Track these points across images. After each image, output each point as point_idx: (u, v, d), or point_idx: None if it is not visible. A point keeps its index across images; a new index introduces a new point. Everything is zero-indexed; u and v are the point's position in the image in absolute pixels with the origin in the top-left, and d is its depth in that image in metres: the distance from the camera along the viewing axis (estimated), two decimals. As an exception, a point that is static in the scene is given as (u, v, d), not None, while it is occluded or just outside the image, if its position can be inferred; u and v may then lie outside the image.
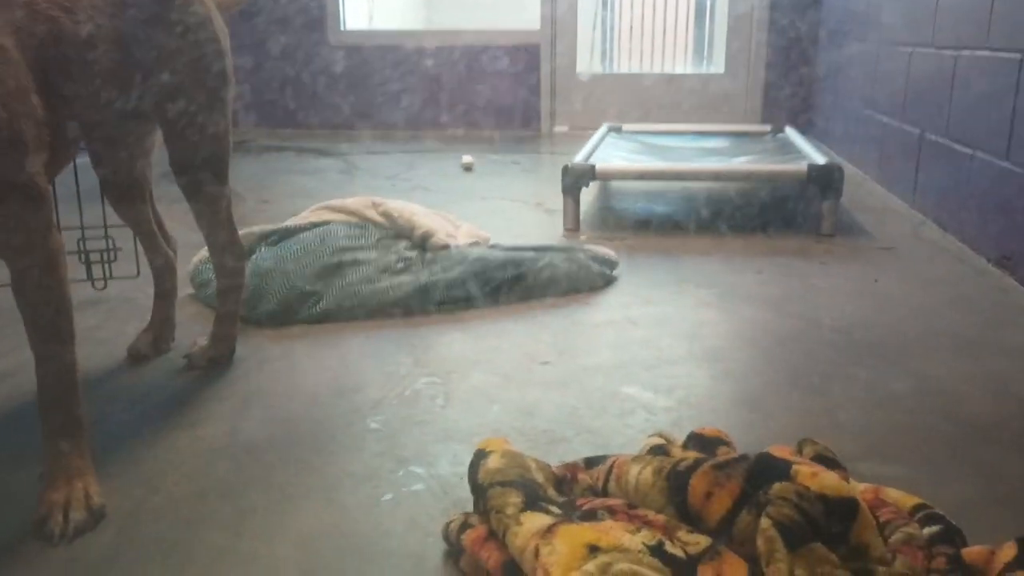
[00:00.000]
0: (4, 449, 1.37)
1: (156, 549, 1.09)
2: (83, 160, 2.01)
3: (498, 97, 5.28)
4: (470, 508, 1.12)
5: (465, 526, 1.06)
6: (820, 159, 2.84)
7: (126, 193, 1.70)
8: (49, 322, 1.16)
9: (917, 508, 1.06)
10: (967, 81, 2.51)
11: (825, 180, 2.64)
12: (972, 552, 0.96)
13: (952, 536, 0.99)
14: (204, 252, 2.14)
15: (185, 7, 1.44)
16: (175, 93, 1.45)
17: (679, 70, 5.51)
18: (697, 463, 1.02)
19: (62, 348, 1.17)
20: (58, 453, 1.17)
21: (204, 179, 1.56)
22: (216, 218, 1.61)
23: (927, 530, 1.01)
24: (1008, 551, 0.92)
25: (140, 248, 2.07)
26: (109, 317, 1.96)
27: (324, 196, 3.06)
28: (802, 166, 2.71)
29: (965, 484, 1.25)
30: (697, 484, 0.99)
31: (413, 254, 2.14)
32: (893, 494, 1.10)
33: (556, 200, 2.89)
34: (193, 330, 1.87)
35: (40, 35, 1.14)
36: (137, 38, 1.35)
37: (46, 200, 1.15)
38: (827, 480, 0.95)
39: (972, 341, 1.80)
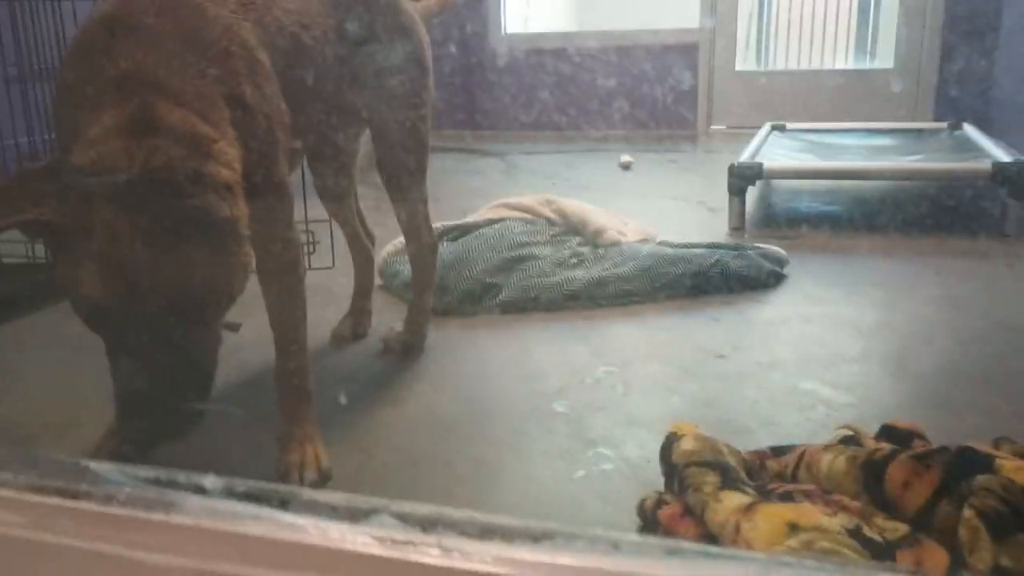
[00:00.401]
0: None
1: (378, 508, 1.22)
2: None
3: (654, 96, 5.30)
4: (659, 488, 1.19)
5: (660, 503, 1.13)
6: (1006, 156, 2.72)
7: (336, 192, 1.87)
8: (289, 304, 1.31)
9: (1125, 512, 1.04)
10: None
11: (1010, 178, 2.53)
12: None
13: None
14: (392, 246, 2.31)
15: (396, 16, 1.58)
16: (386, 98, 1.59)
17: (839, 65, 5.33)
18: (894, 453, 1.05)
19: (298, 328, 1.33)
20: (293, 420, 1.32)
21: (405, 178, 1.69)
22: (414, 215, 1.75)
23: None
24: None
25: (336, 242, 2.26)
26: (309, 304, 2.14)
27: (489, 194, 3.20)
28: (986, 164, 2.60)
29: None
30: (895, 473, 1.02)
31: (586, 250, 2.23)
32: (1099, 496, 1.08)
33: (718, 199, 2.90)
34: (384, 317, 2.02)
35: (284, 49, 1.30)
36: (353, 47, 1.50)
37: (291, 196, 1.31)
38: (1033, 475, 0.96)
39: None
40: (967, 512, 0.93)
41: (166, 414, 1.03)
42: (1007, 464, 0.98)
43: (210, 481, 0.50)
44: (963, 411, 1.47)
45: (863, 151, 3.36)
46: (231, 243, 1.05)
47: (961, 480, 0.97)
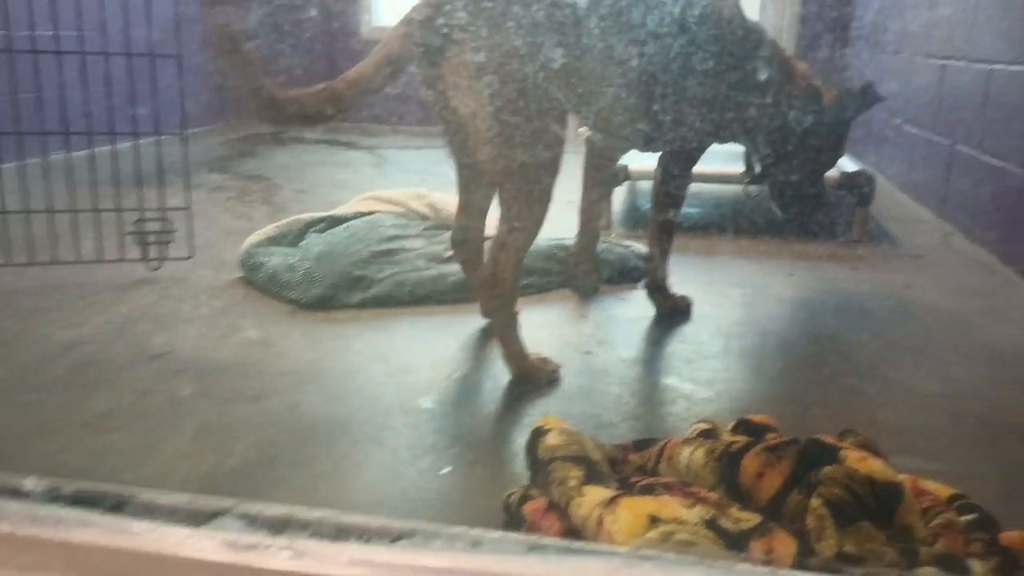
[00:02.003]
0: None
1: (233, 509, 1.16)
2: (123, 146, 2.10)
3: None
4: (525, 483, 1.19)
5: (525, 498, 1.13)
6: (851, 166, 2.89)
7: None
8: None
9: (953, 498, 1.12)
10: (1001, 95, 2.56)
11: (856, 187, 2.69)
12: (1009, 536, 1.01)
13: (988, 523, 1.05)
14: (255, 236, 2.22)
15: None
16: None
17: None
18: (748, 446, 1.08)
19: None
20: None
21: None
22: None
23: (964, 518, 1.07)
24: (1045, 536, 0.98)
25: (195, 231, 2.15)
26: (165, 296, 2.03)
27: (359, 188, 3.13)
28: (835, 172, 2.76)
29: (996, 480, 1.30)
30: (749, 465, 1.06)
31: (457, 245, 2.21)
32: (931, 485, 1.15)
33: (589, 199, 2.94)
34: (245, 314, 1.94)
35: None
36: None
37: None
38: (874, 464, 1.01)
39: (1002, 349, 1.85)
40: (814, 501, 0.97)
41: None
42: (851, 455, 1.03)
43: (31, 483, 0.45)
44: (813, 407, 1.54)
45: (724, 156, 3.49)
46: None
47: (810, 471, 1.01)
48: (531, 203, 1.56)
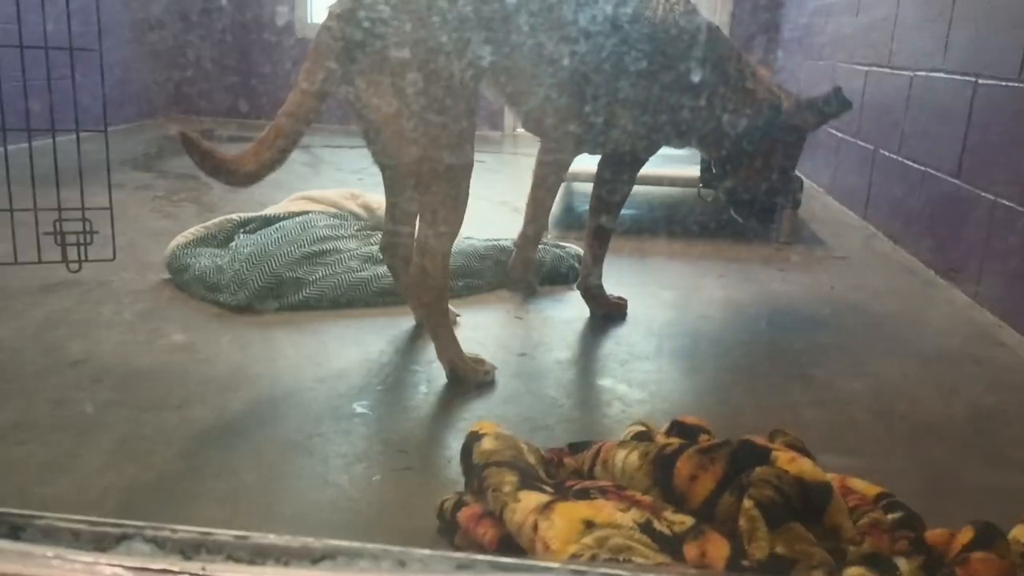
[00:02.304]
0: None
1: (154, 522, 1.11)
2: (40, 143, 2.01)
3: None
4: (459, 488, 1.17)
5: (460, 504, 1.11)
6: (780, 170, 2.95)
7: None
8: None
9: (880, 496, 1.14)
10: (921, 101, 2.64)
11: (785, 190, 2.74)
12: (933, 535, 1.04)
13: (913, 522, 1.08)
14: (181, 238, 2.15)
15: None
16: None
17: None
18: (682, 448, 1.09)
19: None
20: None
21: None
22: None
23: (890, 516, 1.09)
24: (966, 533, 1.01)
25: (117, 232, 2.08)
26: (85, 299, 1.95)
27: (292, 188, 3.07)
28: (763, 176, 2.81)
29: (917, 477, 1.34)
30: (682, 467, 1.06)
31: (391, 246, 2.17)
32: (858, 483, 1.18)
33: (522, 199, 2.94)
34: (170, 318, 1.88)
35: None
36: None
37: None
38: (804, 465, 1.02)
39: (922, 348, 1.91)
40: (746, 503, 0.98)
41: None
42: (782, 456, 1.04)
43: (-83, 507, 0.41)
44: (743, 406, 1.57)
45: (659, 159, 3.53)
46: None
47: (742, 472, 1.02)
48: (456, 205, 1.54)
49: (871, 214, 3.06)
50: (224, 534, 0.40)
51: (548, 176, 2.06)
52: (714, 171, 1.96)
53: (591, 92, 1.71)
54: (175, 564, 0.39)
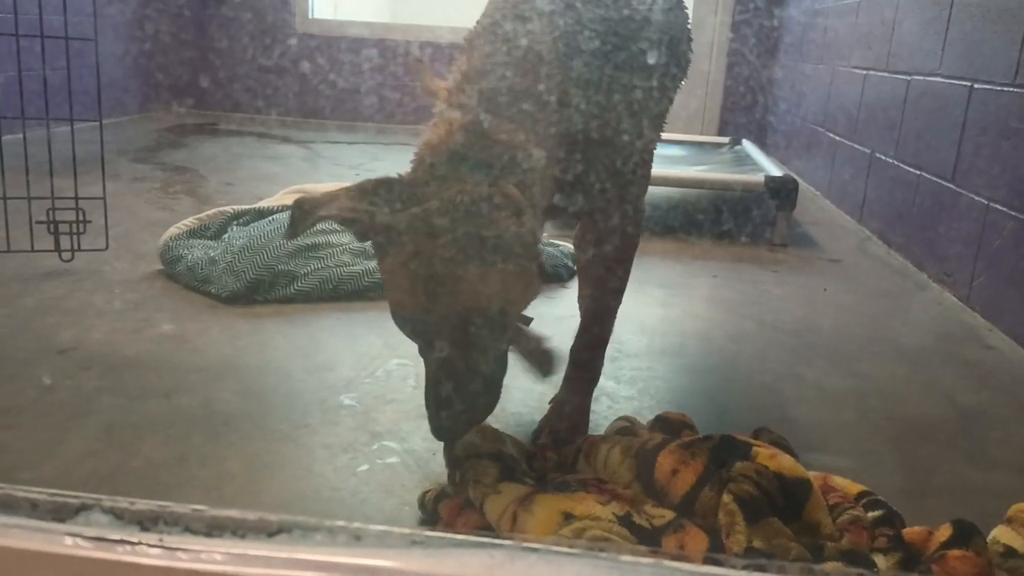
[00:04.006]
0: None
1: (137, 509, 1.12)
2: (57, 130, 2.02)
3: (462, 94, 5.32)
4: (443, 481, 1.17)
5: (441, 496, 1.11)
6: (776, 171, 2.96)
7: None
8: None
9: (861, 494, 1.15)
10: (918, 105, 2.65)
11: (781, 191, 2.75)
12: (912, 532, 1.04)
13: (893, 519, 1.08)
14: (175, 228, 2.15)
15: None
16: None
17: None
18: (664, 443, 1.09)
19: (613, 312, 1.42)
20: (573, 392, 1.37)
21: None
22: None
23: (871, 514, 1.09)
24: (944, 531, 1.01)
25: (111, 222, 2.08)
26: (77, 288, 1.96)
27: (288, 182, 3.08)
28: (759, 177, 2.82)
29: (902, 476, 1.34)
30: (664, 461, 1.06)
31: (383, 241, 2.18)
32: (840, 481, 1.18)
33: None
34: (166, 308, 1.88)
35: None
36: None
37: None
38: (784, 462, 1.03)
39: (912, 349, 1.91)
40: (725, 497, 0.98)
41: (470, 406, 1.08)
42: (762, 452, 1.04)
43: None
44: (730, 405, 1.57)
45: (655, 159, 3.54)
46: (523, 258, 1.06)
47: (722, 468, 1.03)
48: None
49: (866, 217, 3.07)
50: (181, 507, 0.40)
51: None
52: None
53: None
54: (133, 535, 0.39)
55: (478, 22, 1.25)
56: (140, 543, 0.39)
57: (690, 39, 1.55)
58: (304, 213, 1.01)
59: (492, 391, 1.12)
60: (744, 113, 5.17)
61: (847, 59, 3.48)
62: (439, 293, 1.03)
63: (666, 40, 1.39)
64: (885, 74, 2.97)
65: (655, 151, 1.56)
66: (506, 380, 1.58)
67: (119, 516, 0.39)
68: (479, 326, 1.05)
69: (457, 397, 1.07)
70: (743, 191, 3.04)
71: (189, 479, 1.19)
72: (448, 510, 1.08)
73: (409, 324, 1.10)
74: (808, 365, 1.77)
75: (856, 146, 3.23)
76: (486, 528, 1.03)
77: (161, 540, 0.38)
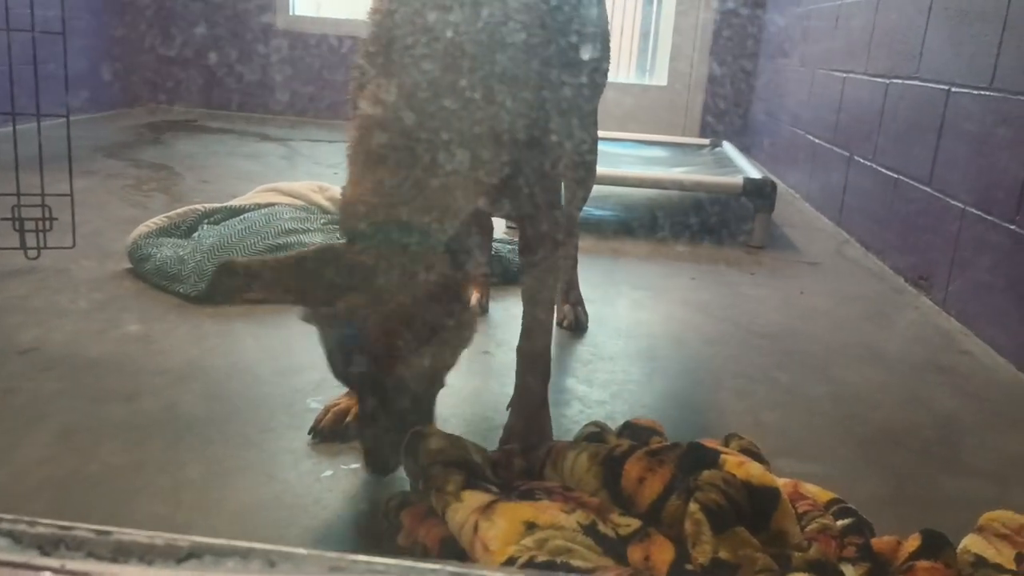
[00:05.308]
0: None
1: (90, 520, 1.08)
2: (23, 127, 1.97)
3: (444, 93, 5.29)
4: (407, 487, 1.15)
5: (404, 503, 1.09)
6: (755, 174, 2.95)
7: None
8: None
9: (832, 502, 1.13)
10: (896, 109, 2.64)
11: (759, 194, 2.74)
12: (881, 542, 1.03)
13: (863, 528, 1.06)
14: (144, 227, 2.12)
15: None
16: None
17: (622, 79, 5.60)
18: (631, 450, 1.07)
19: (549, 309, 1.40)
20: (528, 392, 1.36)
21: None
22: None
23: (840, 522, 1.08)
24: (913, 542, 1.00)
25: (77, 219, 2.04)
26: (41, 287, 1.91)
27: (265, 180, 3.04)
28: (738, 179, 2.81)
29: (875, 483, 1.33)
30: (631, 469, 1.04)
31: (357, 241, 2.15)
32: (810, 488, 1.16)
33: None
34: (128, 305, 1.84)
35: None
36: None
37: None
38: (752, 470, 1.01)
39: (887, 354, 1.90)
40: (692, 506, 0.96)
41: (398, 444, 1.13)
42: (730, 460, 1.03)
43: None
44: (703, 409, 1.55)
45: (634, 160, 3.53)
46: (459, 311, 1.13)
47: (690, 476, 1.01)
48: None
49: (845, 220, 3.07)
50: (85, 529, 0.37)
51: None
52: None
53: None
54: (33, 559, 0.36)
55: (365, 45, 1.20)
56: (41, 567, 0.36)
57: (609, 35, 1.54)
58: (231, 278, 1.06)
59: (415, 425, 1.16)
60: (726, 115, 5.17)
61: (827, 62, 3.48)
62: (372, 363, 1.08)
63: (599, 34, 1.39)
64: (864, 77, 2.97)
65: (599, 152, 1.57)
66: (478, 384, 1.56)
67: (17, 539, 0.37)
68: (410, 382, 1.11)
69: (385, 437, 1.14)
70: (722, 193, 3.04)
71: (147, 486, 1.16)
72: (410, 518, 1.06)
73: (343, 377, 1.15)
74: (783, 369, 1.76)
75: (835, 149, 3.23)
76: (449, 537, 1.00)
77: (63, 566, 0.36)
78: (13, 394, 1.40)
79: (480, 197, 1.18)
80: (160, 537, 0.37)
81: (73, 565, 0.36)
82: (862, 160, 2.90)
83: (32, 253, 1.98)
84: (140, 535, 0.37)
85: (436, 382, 1.20)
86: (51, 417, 1.33)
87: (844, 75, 3.21)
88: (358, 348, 1.08)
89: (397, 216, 1.07)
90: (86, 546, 0.37)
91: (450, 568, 0.38)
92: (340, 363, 1.13)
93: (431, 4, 1.14)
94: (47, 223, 1.98)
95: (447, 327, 1.12)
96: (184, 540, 0.37)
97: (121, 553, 0.37)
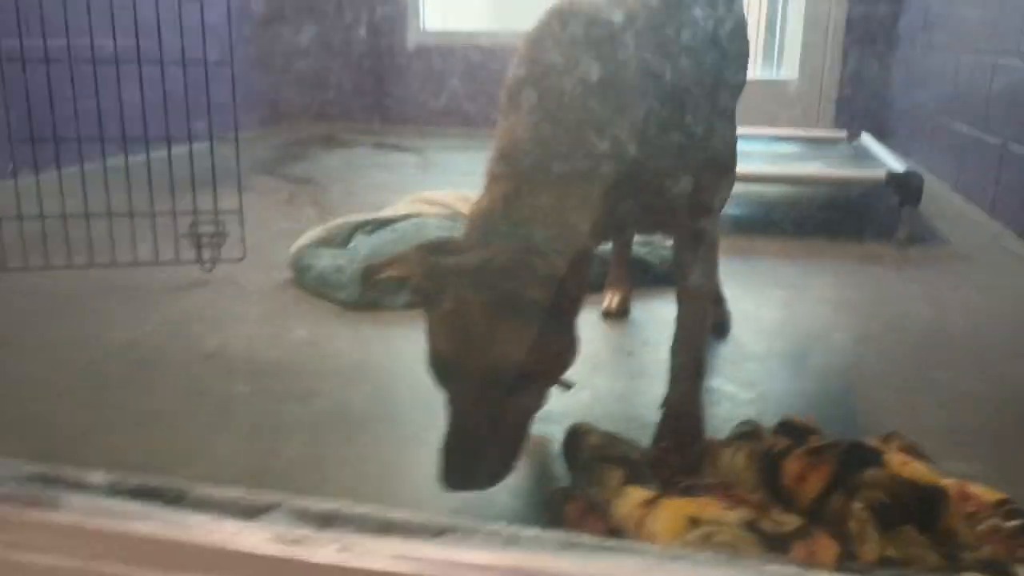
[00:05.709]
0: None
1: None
2: (199, 147, 2.16)
3: (571, 97, 5.34)
4: (563, 484, 1.20)
5: (567, 498, 1.14)
6: (899, 166, 2.85)
7: None
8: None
9: (1001, 503, 1.10)
10: (1055, 91, 2.50)
11: (904, 187, 2.65)
12: (1056, 543, 1.00)
13: (1035, 529, 1.04)
14: (305, 238, 2.27)
15: None
16: None
17: (749, 76, 5.48)
18: (790, 448, 1.08)
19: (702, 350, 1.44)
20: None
21: None
22: None
23: (1011, 523, 1.05)
24: (1093, 543, 0.97)
25: (247, 233, 2.21)
26: (218, 297, 2.09)
27: (404, 190, 3.17)
28: (880, 172, 2.72)
29: (1046, 485, 1.28)
30: (791, 467, 1.06)
31: (500, 247, 2.23)
32: (977, 489, 1.14)
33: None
34: (297, 316, 1.98)
35: None
36: None
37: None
38: (917, 469, 1.01)
39: (1054, 350, 1.81)
40: (856, 505, 0.97)
41: (486, 465, 1.09)
42: (894, 459, 1.03)
43: (97, 477, 0.48)
44: (858, 409, 1.53)
45: (766, 157, 3.46)
46: (555, 326, 1.10)
47: (852, 474, 1.01)
48: None
49: (998, 210, 2.91)
50: (356, 507, 0.44)
51: None
52: None
53: None
54: (312, 533, 0.43)
55: (515, 69, 1.27)
56: (319, 540, 0.43)
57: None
58: (371, 273, 1.16)
59: (506, 452, 1.10)
60: (862, 106, 4.98)
61: (975, 45, 3.31)
62: (469, 344, 1.06)
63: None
64: (1017, 61, 2.81)
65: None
66: (625, 384, 1.60)
67: (300, 516, 0.44)
68: (504, 384, 1.07)
69: (468, 452, 1.08)
70: (863, 187, 2.95)
71: (327, 479, 1.27)
72: (574, 512, 1.11)
73: (438, 371, 1.12)
74: (941, 367, 1.71)
75: (986, 137, 3.07)
76: (613, 531, 1.05)
77: (337, 538, 0.43)
78: (205, 395, 1.54)
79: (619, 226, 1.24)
80: (418, 516, 0.43)
81: (345, 538, 0.43)
82: (1016, 148, 2.75)
83: (208, 266, 2.16)
84: (401, 513, 0.44)
85: (531, 395, 1.13)
86: (239, 416, 1.46)
87: (994, 59, 3.05)
88: (462, 349, 1.06)
89: (525, 232, 1.10)
90: (356, 522, 0.44)
91: (676, 552, 0.42)
92: (439, 364, 1.11)
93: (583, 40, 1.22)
94: (220, 238, 2.15)
95: (554, 343, 1.11)
96: (438, 519, 0.43)
97: (386, 528, 0.43)
